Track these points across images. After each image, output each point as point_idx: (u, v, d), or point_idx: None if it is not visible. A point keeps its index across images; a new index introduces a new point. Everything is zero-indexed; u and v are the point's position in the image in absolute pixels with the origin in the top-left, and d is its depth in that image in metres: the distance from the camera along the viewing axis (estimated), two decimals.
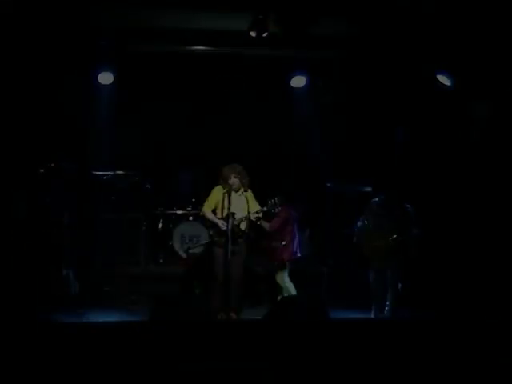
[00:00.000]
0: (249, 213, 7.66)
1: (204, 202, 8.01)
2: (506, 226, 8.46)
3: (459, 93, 8.70)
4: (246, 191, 7.78)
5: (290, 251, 8.17)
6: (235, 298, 7.81)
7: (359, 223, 8.12)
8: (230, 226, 7.44)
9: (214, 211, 7.83)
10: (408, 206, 7.93)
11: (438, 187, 9.28)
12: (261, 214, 7.70)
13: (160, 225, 9.99)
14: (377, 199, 8.09)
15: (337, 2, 7.58)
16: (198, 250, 9.14)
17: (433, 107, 9.02)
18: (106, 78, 8.97)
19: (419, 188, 9.21)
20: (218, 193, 7.76)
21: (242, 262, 7.86)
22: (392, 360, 4.48)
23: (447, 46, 8.24)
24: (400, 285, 7.89)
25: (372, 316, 8.09)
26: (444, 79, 8.42)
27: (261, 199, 7.91)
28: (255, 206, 7.74)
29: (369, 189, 8.85)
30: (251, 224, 7.86)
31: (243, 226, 7.70)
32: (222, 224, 7.61)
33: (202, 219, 8.78)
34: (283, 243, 8.10)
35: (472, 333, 4.90)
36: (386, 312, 7.95)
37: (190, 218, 9.48)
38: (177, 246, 9.34)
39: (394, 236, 7.75)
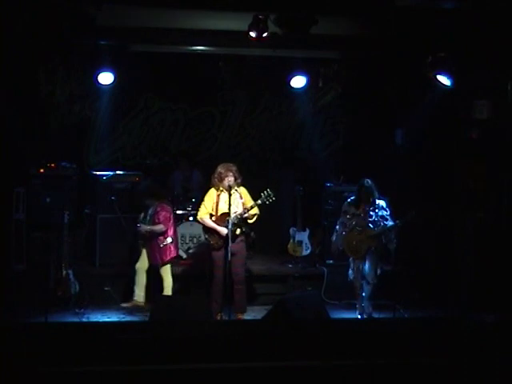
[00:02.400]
0: (247, 208, 7.61)
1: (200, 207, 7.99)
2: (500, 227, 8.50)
3: (459, 93, 8.71)
4: (238, 187, 7.73)
5: (176, 246, 8.37)
6: (241, 299, 7.79)
7: (337, 227, 8.18)
8: (230, 226, 7.43)
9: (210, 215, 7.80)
10: (381, 200, 7.99)
11: (436, 187, 9.31)
12: (256, 209, 7.65)
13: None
14: (349, 200, 8.17)
15: (337, 2, 7.58)
16: (197, 250, 9.16)
17: (433, 107, 9.02)
18: (106, 77, 8.96)
19: (418, 188, 9.24)
20: (212, 196, 7.74)
21: (244, 262, 7.85)
22: (392, 360, 4.48)
23: (447, 45, 8.24)
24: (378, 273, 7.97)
25: (358, 314, 8.10)
26: (444, 79, 8.41)
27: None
28: (250, 201, 7.68)
29: None
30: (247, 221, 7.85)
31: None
32: (223, 230, 7.57)
33: None
34: (171, 240, 8.19)
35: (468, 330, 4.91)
36: (363, 307, 7.99)
37: (190, 218, 9.46)
38: None
39: (372, 232, 7.88)
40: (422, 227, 8.68)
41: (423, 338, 4.73)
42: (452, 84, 8.41)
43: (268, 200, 7.54)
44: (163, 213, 8.23)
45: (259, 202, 7.56)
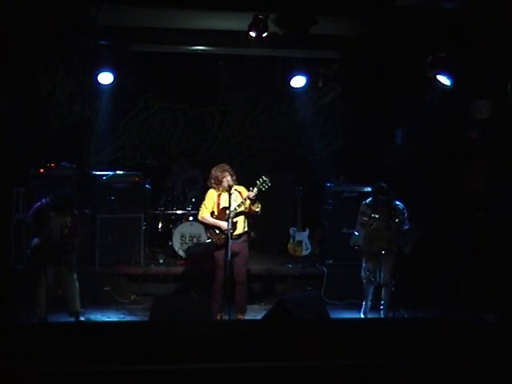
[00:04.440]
0: (248, 198, 7.56)
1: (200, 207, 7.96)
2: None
3: (459, 93, 8.71)
4: (237, 186, 7.72)
5: None
6: (241, 299, 7.78)
7: (357, 229, 8.05)
8: (229, 226, 7.43)
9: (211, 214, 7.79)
10: (398, 203, 7.91)
11: (436, 187, 9.31)
12: (253, 196, 7.56)
13: (160, 225, 10.00)
14: (367, 201, 8.09)
15: (337, 2, 7.59)
16: (197, 250, 9.16)
17: (433, 107, 9.02)
18: (106, 77, 8.96)
19: (418, 188, 9.24)
20: (212, 197, 7.72)
21: (246, 262, 7.84)
22: (392, 360, 4.48)
23: (447, 45, 8.25)
24: (394, 283, 7.84)
25: (361, 314, 8.07)
26: (444, 79, 8.41)
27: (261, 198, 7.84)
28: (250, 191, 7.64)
29: (369, 189, 8.84)
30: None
31: (243, 224, 7.67)
32: (225, 225, 7.51)
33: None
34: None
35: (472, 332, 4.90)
36: (381, 311, 7.94)
37: (190, 218, 9.47)
38: (177, 246, 9.33)
39: (387, 234, 7.77)
40: (421, 227, 8.67)
41: (423, 338, 4.72)
42: (452, 84, 8.41)
43: (264, 186, 7.46)
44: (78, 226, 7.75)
45: (255, 189, 7.49)
